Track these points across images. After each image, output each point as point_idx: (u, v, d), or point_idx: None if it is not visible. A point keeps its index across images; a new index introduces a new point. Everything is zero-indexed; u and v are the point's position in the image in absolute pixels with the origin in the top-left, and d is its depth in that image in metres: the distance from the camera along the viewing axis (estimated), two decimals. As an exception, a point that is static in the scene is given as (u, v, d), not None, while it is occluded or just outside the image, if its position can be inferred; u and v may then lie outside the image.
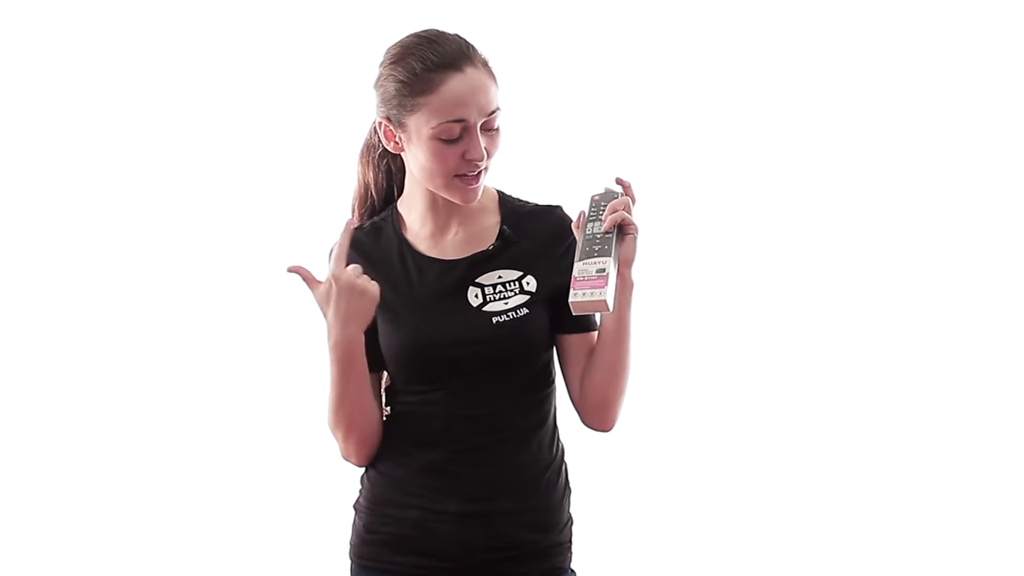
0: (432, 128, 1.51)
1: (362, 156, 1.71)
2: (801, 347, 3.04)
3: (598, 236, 1.48)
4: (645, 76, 3.03)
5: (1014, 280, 3.00)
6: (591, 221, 1.51)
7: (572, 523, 1.66)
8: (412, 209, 1.64)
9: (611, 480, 2.89)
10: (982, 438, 2.98)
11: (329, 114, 2.99)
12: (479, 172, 1.54)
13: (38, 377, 3.03)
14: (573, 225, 1.56)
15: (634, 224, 1.49)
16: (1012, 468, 2.97)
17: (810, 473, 3.01)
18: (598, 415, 1.64)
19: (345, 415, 1.59)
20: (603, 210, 1.51)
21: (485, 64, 1.55)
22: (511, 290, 1.58)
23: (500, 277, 1.59)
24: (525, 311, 1.57)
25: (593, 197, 1.54)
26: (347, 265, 1.52)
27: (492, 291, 1.58)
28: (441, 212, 1.62)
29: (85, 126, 3.03)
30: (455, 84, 1.50)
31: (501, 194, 1.68)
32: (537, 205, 1.66)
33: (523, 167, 1.89)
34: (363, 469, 1.67)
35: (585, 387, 1.62)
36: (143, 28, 3.01)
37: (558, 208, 1.66)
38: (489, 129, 1.54)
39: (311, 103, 3.01)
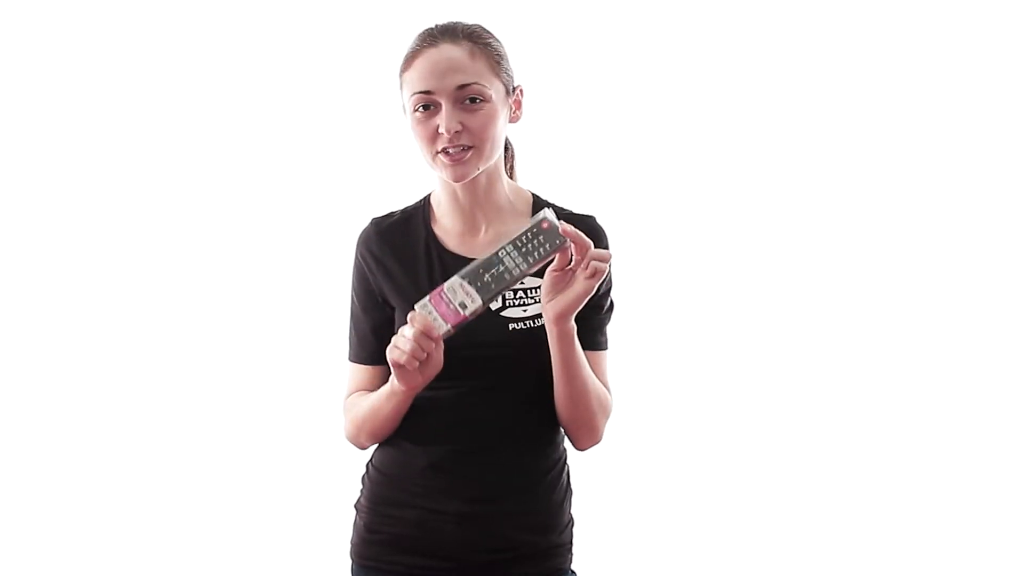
0: (409, 103, 1.54)
1: None
2: (798, 350, 3.04)
3: (503, 270, 1.39)
4: (649, 81, 3.04)
5: (1011, 280, 3.00)
6: (513, 246, 1.40)
7: (573, 524, 1.66)
8: (440, 203, 1.64)
9: (612, 482, 2.89)
10: (981, 438, 2.98)
11: (329, 114, 3.00)
12: (461, 148, 1.52)
13: (40, 378, 3.03)
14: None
15: (595, 280, 1.41)
16: (1012, 468, 2.97)
17: (808, 475, 3.01)
18: (567, 432, 1.64)
19: (386, 431, 1.60)
20: (538, 247, 1.40)
21: (473, 41, 1.54)
22: (531, 298, 1.57)
23: (522, 283, 1.57)
24: (542, 321, 1.54)
25: (542, 223, 1.40)
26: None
27: (512, 296, 1.57)
28: (465, 209, 1.61)
29: (90, 128, 3.03)
30: (425, 58, 1.53)
31: (536, 197, 1.67)
32: (572, 213, 1.64)
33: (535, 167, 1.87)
34: (364, 468, 1.67)
35: (557, 406, 1.60)
36: (150, 30, 3.01)
37: (591, 218, 1.63)
38: (464, 104, 1.52)
39: (314, 104, 3.02)
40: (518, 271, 1.40)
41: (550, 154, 2.43)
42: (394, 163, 2.47)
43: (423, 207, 1.65)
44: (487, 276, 1.40)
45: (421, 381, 1.48)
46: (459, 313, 1.40)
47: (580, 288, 1.43)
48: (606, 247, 1.61)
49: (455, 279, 1.41)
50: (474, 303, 1.40)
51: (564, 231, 1.40)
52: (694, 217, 3.01)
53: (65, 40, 2.99)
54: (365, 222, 1.66)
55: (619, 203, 2.79)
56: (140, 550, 2.95)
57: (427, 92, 1.52)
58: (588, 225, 1.61)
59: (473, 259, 1.51)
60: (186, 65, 3.01)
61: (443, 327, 1.40)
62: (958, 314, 3.02)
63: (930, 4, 2.98)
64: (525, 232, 1.40)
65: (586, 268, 1.42)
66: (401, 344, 1.43)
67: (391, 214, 1.66)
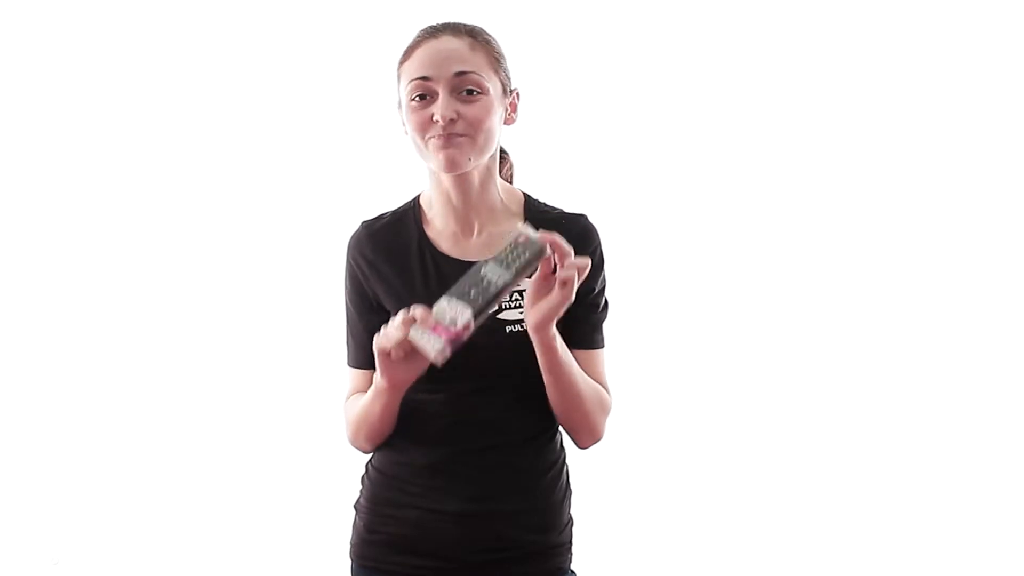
0: (406, 91, 1.53)
1: None
2: (795, 349, 3.04)
3: (487, 283, 1.38)
4: (641, 81, 3.04)
5: (1010, 280, 3.00)
6: (495, 261, 1.40)
7: (572, 524, 1.66)
8: (431, 205, 1.62)
9: (612, 482, 2.89)
10: (980, 437, 2.99)
11: (322, 117, 3.01)
12: (452, 136, 1.50)
13: (38, 380, 3.03)
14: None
15: (568, 289, 1.39)
16: (1012, 468, 2.97)
17: (807, 475, 3.01)
18: (567, 432, 1.62)
19: (382, 432, 1.58)
20: (519, 259, 1.39)
21: (474, 37, 1.54)
22: None
23: (520, 285, 1.53)
24: None
25: (518, 237, 1.41)
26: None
27: (508, 299, 1.55)
28: (458, 210, 1.59)
29: (86, 129, 3.04)
30: (426, 47, 1.53)
31: (527, 197, 1.65)
32: (563, 212, 1.62)
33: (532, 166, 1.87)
34: (364, 469, 1.67)
35: (552, 408, 1.59)
36: (145, 31, 3.02)
37: (583, 217, 1.62)
38: (461, 92, 1.51)
39: (307, 107, 3.02)
40: (502, 281, 1.38)
41: (543, 153, 2.43)
42: (386, 167, 2.47)
43: (413, 208, 1.63)
44: (472, 291, 1.38)
45: (404, 378, 1.46)
46: (449, 329, 1.36)
47: (556, 298, 1.41)
48: (598, 245, 1.60)
49: (442, 300, 1.39)
50: (463, 316, 1.36)
51: (542, 238, 1.39)
52: (687, 216, 3.02)
53: (64, 40, 3.00)
54: (356, 225, 1.64)
55: (612, 202, 2.79)
56: (142, 550, 2.95)
57: (425, 79, 1.51)
58: (580, 224, 1.60)
59: (467, 261, 1.51)
60: (182, 67, 3.02)
61: (438, 342, 1.36)
62: (955, 312, 3.02)
63: (930, 4, 2.98)
64: (504, 247, 1.40)
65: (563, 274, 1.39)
66: (388, 331, 1.41)
67: (381, 216, 1.65)
